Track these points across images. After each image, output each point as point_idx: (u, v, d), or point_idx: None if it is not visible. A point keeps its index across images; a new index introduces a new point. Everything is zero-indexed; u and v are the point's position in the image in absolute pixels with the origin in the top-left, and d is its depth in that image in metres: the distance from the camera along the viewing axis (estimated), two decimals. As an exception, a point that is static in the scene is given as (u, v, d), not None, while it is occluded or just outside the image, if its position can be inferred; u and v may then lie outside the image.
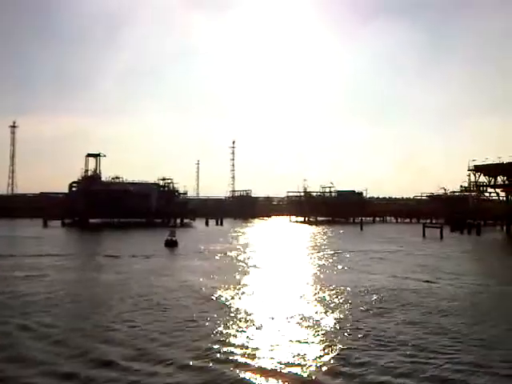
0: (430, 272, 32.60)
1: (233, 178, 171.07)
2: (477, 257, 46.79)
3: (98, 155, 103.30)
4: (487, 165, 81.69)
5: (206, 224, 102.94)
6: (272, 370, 12.49)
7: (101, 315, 18.78)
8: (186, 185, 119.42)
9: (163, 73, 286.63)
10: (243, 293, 23.74)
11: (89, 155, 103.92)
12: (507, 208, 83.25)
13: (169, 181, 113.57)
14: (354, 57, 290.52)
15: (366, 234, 78.94)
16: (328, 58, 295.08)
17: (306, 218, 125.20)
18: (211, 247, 50.01)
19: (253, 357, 13.46)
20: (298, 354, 13.59)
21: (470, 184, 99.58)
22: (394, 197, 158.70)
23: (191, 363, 12.91)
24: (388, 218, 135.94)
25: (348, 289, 24.95)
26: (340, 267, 34.99)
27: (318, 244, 57.09)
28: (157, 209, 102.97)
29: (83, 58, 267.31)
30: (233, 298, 22.29)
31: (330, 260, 40.10)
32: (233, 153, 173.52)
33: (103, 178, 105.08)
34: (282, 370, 12.36)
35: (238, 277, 28.85)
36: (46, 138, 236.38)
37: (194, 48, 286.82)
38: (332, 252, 46.60)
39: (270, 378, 11.88)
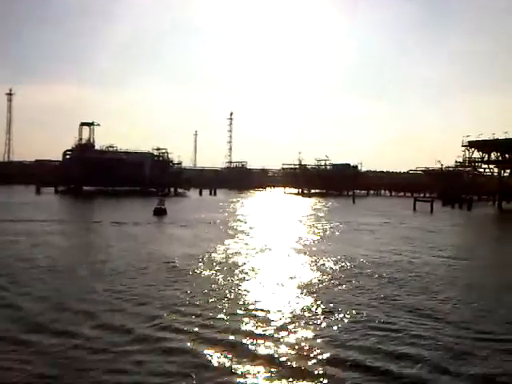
0: (406, 244, 32.82)
1: (230, 149, 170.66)
2: (461, 231, 47.00)
3: (92, 124, 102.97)
4: (481, 141, 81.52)
5: (200, 194, 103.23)
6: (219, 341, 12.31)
7: (59, 280, 18.66)
8: (180, 155, 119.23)
9: (162, 45, 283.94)
10: (217, 261, 23.76)
11: (82, 124, 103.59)
12: (499, 183, 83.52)
13: (163, 151, 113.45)
14: (353, 31, 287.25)
15: (358, 207, 79.13)
16: (327, 33, 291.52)
17: (300, 190, 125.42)
18: (202, 216, 50.15)
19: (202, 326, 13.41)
20: (253, 328, 13.42)
21: (464, 159, 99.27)
22: (390, 171, 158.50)
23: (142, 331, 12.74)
24: (382, 192, 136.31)
25: (321, 260, 24.98)
26: (320, 238, 35.10)
27: (306, 215, 57.26)
28: (151, 178, 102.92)
29: (81, 29, 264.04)
30: (205, 267, 22.16)
31: (314, 231, 40.27)
32: (230, 124, 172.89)
33: (98, 147, 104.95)
34: (231, 343, 12.23)
35: (219, 246, 28.75)
36: (43, 106, 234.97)
37: (193, 20, 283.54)
38: (318, 223, 46.81)
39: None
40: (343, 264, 23.74)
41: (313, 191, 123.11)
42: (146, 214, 50.13)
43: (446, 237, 39.70)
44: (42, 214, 45.99)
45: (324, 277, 20.40)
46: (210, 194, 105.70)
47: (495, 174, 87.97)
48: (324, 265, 23.42)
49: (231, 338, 12.27)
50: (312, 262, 24.29)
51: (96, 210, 60.67)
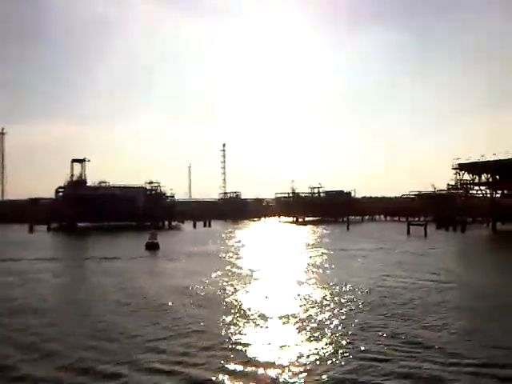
0: (398, 269, 32.77)
1: (224, 180, 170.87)
2: (453, 254, 46.67)
3: (83, 160, 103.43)
4: (470, 163, 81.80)
5: (194, 226, 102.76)
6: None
7: (39, 319, 18.52)
8: (172, 188, 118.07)
9: (153, 79, 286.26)
10: (203, 296, 23.59)
11: (74, 161, 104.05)
12: (491, 205, 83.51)
13: (155, 184, 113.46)
14: (344, 60, 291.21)
15: (352, 233, 78.90)
16: (318, 62, 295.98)
17: (295, 219, 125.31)
18: (194, 249, 49.84)
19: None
20: (228, 362, 13.34)
21: (456, 182, 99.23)
22: (385, 196, 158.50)
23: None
24: (377, 217, 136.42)
25: (310, 288, 24.85)
26: (311, 267, 34.91)
27: (299, 243, 56.89)
28: (144, 212, 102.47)
29: (73, 64, 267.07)
30: (189, 302, 21.96)
31: (306, 259, 40.09)
32: (223, 156, 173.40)
33: (90, 183, 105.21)
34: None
35: (207, 280, 28.53)
36: (35, 144, 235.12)
37: (186, 54, 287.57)
38: (311, 251, 46.61)
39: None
40: (332, 292, 23.60)
41: (307, 219, 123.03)
42: (138, 248, 49.77)
43: (437, 260, 39.54)
44: (32, 253, 45.64)
45: (311, 305, 20.27)
46: (205, 225, 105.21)
47: (487, 195, 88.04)
48: (312, 293, 23.29)
49: (202, 374, 12.10)
50: (300, 290, 24.13)
51: (88, 247, 60.28)
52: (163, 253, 46.04)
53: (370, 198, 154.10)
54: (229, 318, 18.06)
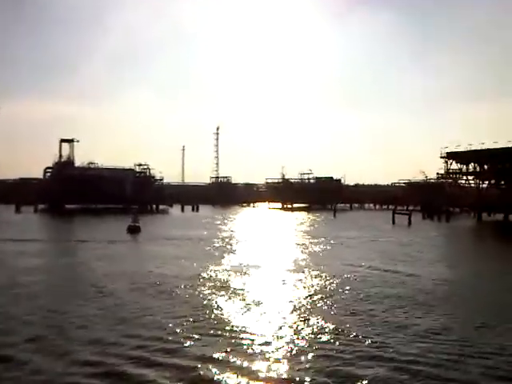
0: (370, 259, 32.79)
1: (216, 164, 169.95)
2: (432, 244, 46.74)
3: (72, 140, 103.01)
4: (458, 152, 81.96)
5: (182, 210, 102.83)
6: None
7: None
8: (161, 171, 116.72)
9: (150, 58, 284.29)
10: (167, 282, 23.64)
11: (62, 140, 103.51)
12: (478, 195, 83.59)
13: (145, 166, 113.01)
14: (342, 43, 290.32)
15: (338, 221, 79.16)
16: (315, 45, 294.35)
17: (284, 205, 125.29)
18: (177, 233, 49.75)
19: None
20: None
21: (445, 171, 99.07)
22: (378, 183, 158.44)
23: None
24: (366, 205, 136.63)
25: (278, 280, 24.97)
26: (284, 255, 34.94)
27: (280, 231, 56.93)
28: (132, 195, 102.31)
29: (68, 42, 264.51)
30: (147, 291, 22.06)
31: (282, 247, 40.21)
32: (217, 139, 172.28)
33: (79, 164, 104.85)
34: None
35: (179, 265, 28.69)
36: (29, 123, 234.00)
37: (181, 32, 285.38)
38: (290, 239, 46.81)
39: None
40: (297, 283, 23.68)
41: (296, 205, 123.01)
42: (120, 231, 49.75)
43: (414, 250, 39.57)
44: (9, 233, 45.56)
45: (268, 299, 20.33)
46: (193, 210, 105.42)
47: (473, 185, 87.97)
48: (279, 285, 23.40)
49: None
50: (262, 282, 24.15)
51: (70, 229, 60.24)
52: (144, 237, 46.04)
53: (363, 185, 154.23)
54: (183, 309, 17.96)
